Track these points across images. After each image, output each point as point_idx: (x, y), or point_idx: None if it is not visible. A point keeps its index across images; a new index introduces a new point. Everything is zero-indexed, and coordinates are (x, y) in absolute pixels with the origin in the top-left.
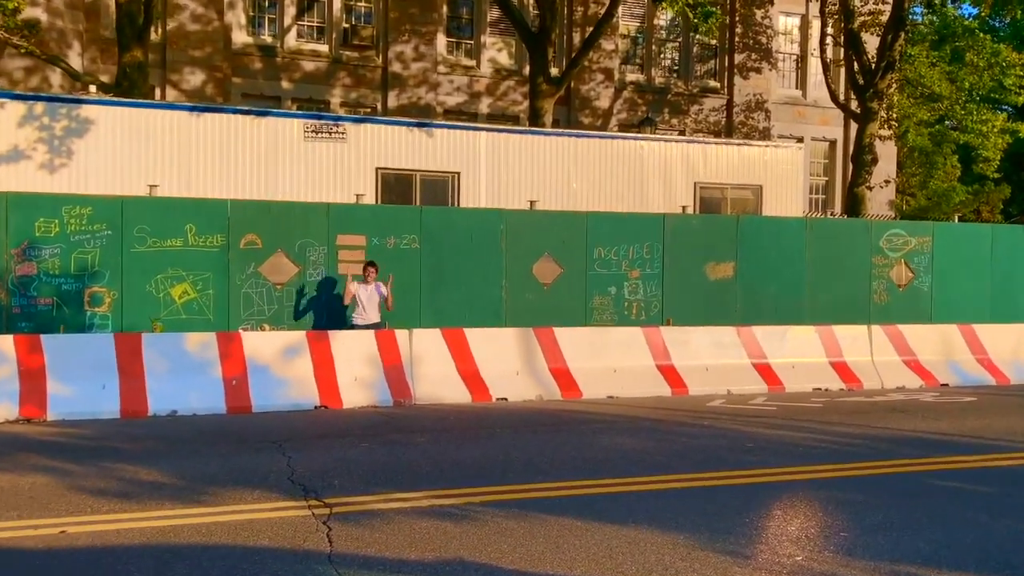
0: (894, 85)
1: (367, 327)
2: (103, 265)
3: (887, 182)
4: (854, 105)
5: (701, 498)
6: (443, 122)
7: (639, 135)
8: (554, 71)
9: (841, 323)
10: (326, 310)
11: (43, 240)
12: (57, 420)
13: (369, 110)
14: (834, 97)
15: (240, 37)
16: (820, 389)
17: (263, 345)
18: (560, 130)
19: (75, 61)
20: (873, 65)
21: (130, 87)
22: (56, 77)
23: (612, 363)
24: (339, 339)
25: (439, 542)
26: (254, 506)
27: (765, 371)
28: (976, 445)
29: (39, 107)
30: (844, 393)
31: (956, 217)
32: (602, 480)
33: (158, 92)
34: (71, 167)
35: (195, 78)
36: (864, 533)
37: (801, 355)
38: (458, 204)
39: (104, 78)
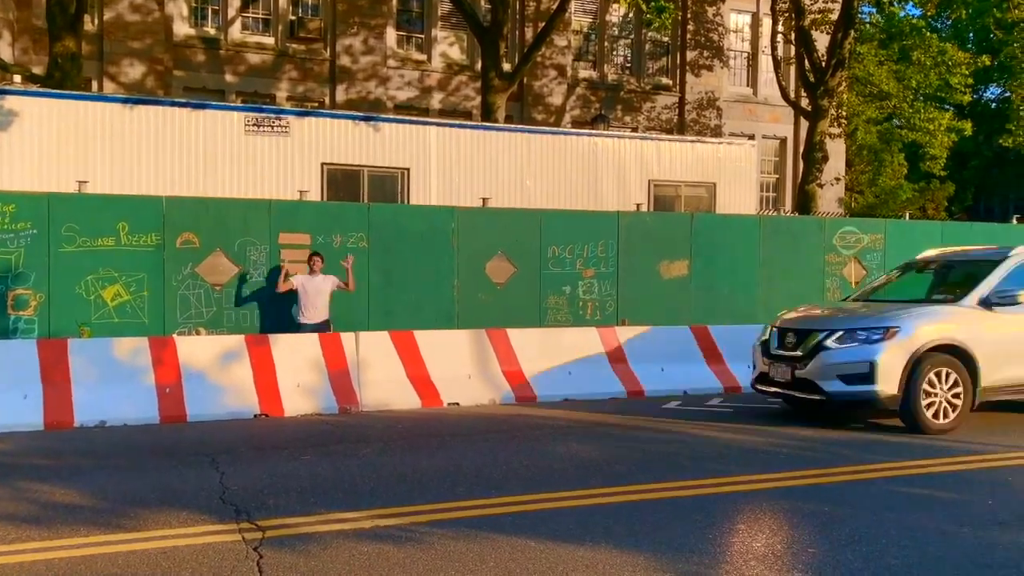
0: (844, 83)
1: (315, 326)
2: (28, 266)
3: (837, 179)
4: (804, 103)
5: (662, 511)
6: (391, 116)
7: (593, 131)
8: (507, 66)
9: None
10: (269, 312)
11: None
12: None
13: (317, 104)
14: (785, 95)
15: (182, 29)
16: None
17: (199, 350)
18: (513, 126)
19: (4, 51)
20: (823, 63)
21: (63, 79)
22: None
23: (567, 364)
24: (280, 343)
25: (380, 570)
26: (179, 531)
27: (721, 371)
28: (940, 448)
29: None
30: None
31: (907, 215)
32: (558, 493)
33: (95, 85)
34: None
35: (134, 71)
36: (833, 549)
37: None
38: (408, 201)
39: (37, 69)
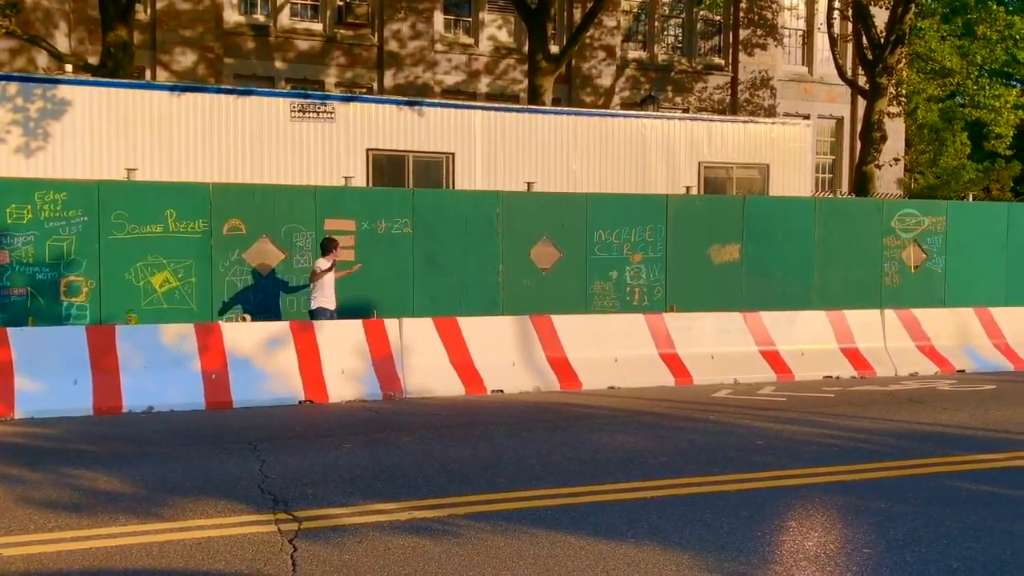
0: (903, 60)
1: (331, 315)
2: (79, 253)
3: (896, 160)
4: (862, 81)
5: (708, 507)
6: (436, 100)
7: (641, 113)
8: (554, 48)
9: (852, 307)
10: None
11: (15, 227)
12: (25, 419)
13: (364, 90)
14: (841, 73)
15: (232, 16)
16: (831, 377)
17: (244, 336)
18: (559, 108)
19: (61, 42)
20: (882, 39)
21: (115, 67)
22: (43, 59)
23: (613, 352)
24: (325, 329)
25: (415, 565)
26: (216, 520)
27: (773, 359)
28: (1002, 440)
29: (12, 88)
30: (856, 381)
31: (971, 196)
32: (600, 485)
33: (148, 73)
34: (47, 150)
35: (186, 59)
36: (890, 549)
37: (811, 341)
38: (452, 186)
39: (91, 59)
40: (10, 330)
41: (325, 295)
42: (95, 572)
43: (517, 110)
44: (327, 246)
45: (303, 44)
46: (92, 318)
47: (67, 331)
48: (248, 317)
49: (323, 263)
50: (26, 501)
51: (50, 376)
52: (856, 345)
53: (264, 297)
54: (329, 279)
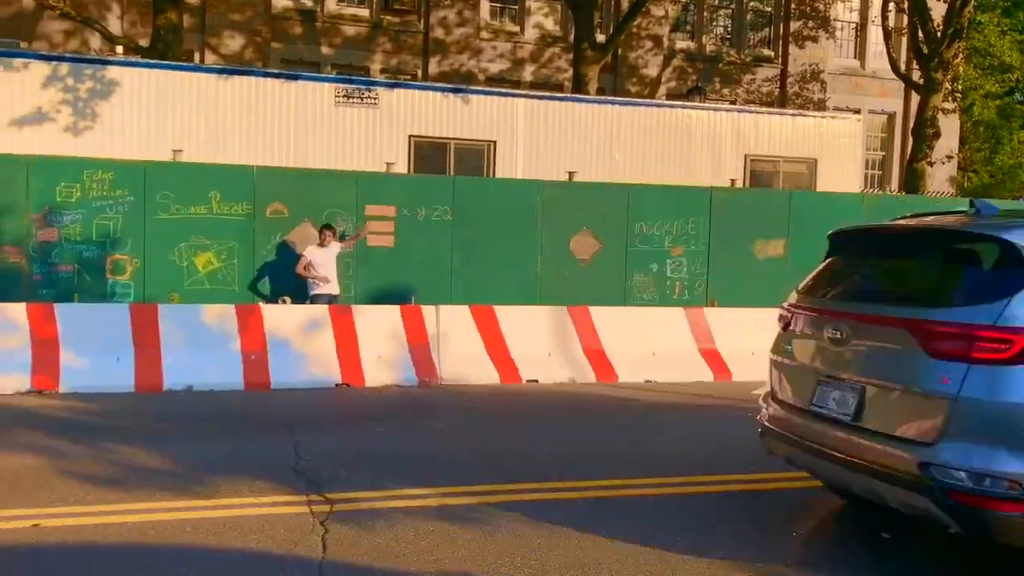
0: (960, 55)
1: (330, 299)
2: (125, 232)
3: (948, 158)
4: (916, 76)
5: (744, 506)
6: (479, 87)
7: (686, 104)
8: (600, 37)
9: None
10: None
11: (64, 205)
12: (69, 393)
13: (409, 77)
14: (895, 67)
15: (280, 1)
16: None
17: (284, 319)
18: (602, 97)
19: (114, 24)
20: (939, 33)
21: (164, 50)
22: (96, 41)
23: (651, 345)
24: (363, 314)
25: (444, 552)
26: (249, 500)
27: None
28: None
29: (63, 68)
30: None
31: None
32: (635, 480)
33: (197, 56)
34: (96, 130)
35: (234, 42)
36: (964, 559)
37: None
38: (493, 174)
39: (142, 41)
40: (57, 306)
41: (320, 281)
42: (130, 546)
43: (560, 98)
44: (320, 233)
45: (349, 30)
46: (136, 296)
47: (111, 308)
48: (289, 299)
49: (310, 253)
50: (66, 474)
51: (94, 352)
52: None
53: (304, 281)
54: (324, 264)
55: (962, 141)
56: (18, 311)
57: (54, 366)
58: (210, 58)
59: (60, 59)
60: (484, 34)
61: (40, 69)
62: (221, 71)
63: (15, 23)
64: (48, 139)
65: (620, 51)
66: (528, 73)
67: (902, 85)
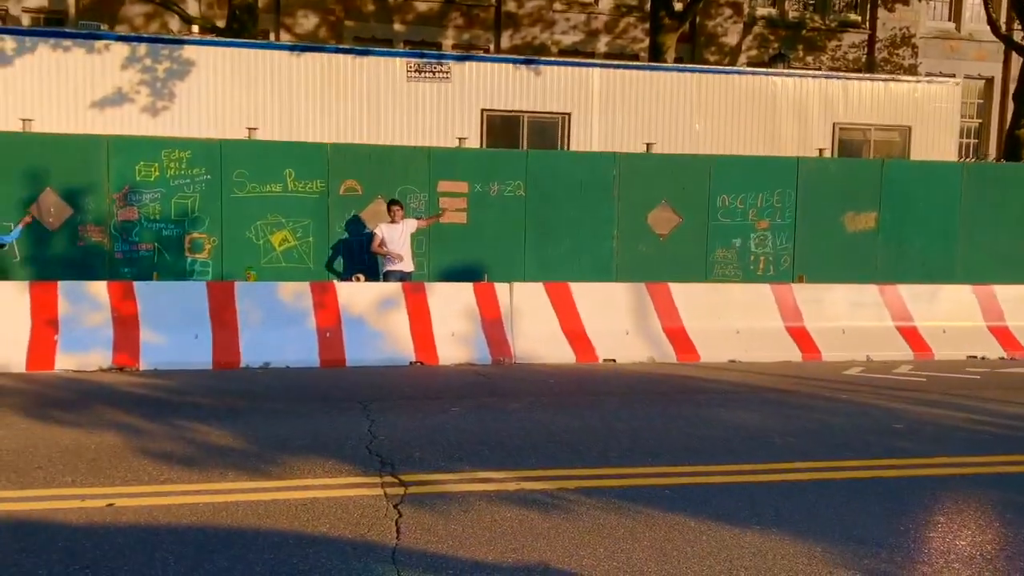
0: None
1: (403, 276)
2: (202, 211)
3: None
4: (1018, 37)
5: (842, 494)
6: (552, 58)
7: (771, 70)
8: (678, 5)
9: (1001, 282)
10: (425, 260)
11: (144, 184)
12: (149, 370)
13: (482, 52)
14: (995, 28)
15: None
16: (975, 357)
17: (358, 296)
18: (681, 65)
19: (192, 6)
20: None
21: (240, 30)
22: (175, 23)
23: (734, 323)
24: (436, 292)
25: (522, 540)
26: (323, 480)
27: (911, 335)
28: None
29: (142, 48)
30: (1005, 363)
31: None
32: (722, 466)
33: (272, 36)
34: (172, 109)
35: (308, 21)
36: None
37: (953, 318)
38: (568, 147)
39: (219, 22)
40: (136, 284)
41: (395, 258)
42: (201, 528)
43: (637, 67)
44: (389, 208)
45: (421, 6)
46: (215, 274)
47: (189, 286)
48: (363, 277)
49: (382, 230)
50: (142, 452)
51: (173, 330)
52: (1006, 323)
53: (376, 258)
54: (395, 241)
55: None
56: (100, 289)
57: (134, 343)
58: (284, 37)
59: (139, 39)
60: (557, 5)
61: (120, 50)
62: (293, 48)
63: (98, 7)
64: (127, 119)
65: (698, 19)
66: (602, 44)
67: (1001, 47)
